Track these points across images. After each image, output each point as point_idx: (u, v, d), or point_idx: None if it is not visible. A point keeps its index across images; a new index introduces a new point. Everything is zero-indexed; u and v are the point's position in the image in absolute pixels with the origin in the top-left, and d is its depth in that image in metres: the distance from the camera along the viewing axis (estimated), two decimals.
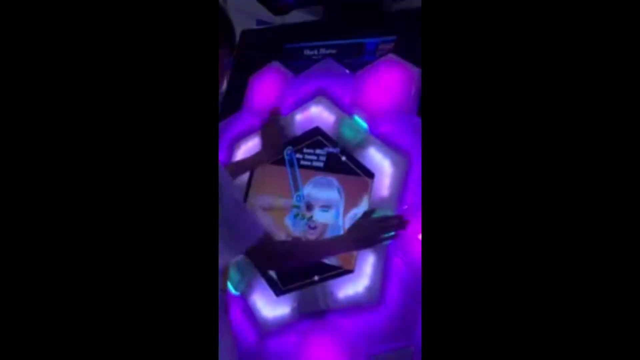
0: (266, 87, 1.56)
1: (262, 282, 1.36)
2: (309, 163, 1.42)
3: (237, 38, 1.54)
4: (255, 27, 2.02)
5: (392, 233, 1.01)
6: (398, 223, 1.00)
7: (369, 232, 1.01)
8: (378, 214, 1.07)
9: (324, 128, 1.39)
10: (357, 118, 1.30)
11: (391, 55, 1.28)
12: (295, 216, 1.41)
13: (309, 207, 1.38)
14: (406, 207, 1.13)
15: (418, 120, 1.19)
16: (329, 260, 1.25)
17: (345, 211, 1.29)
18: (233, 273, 1.41)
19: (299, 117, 1.46)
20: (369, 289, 1.14)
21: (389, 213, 1.11)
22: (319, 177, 1.38)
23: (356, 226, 1.04)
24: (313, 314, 1.21)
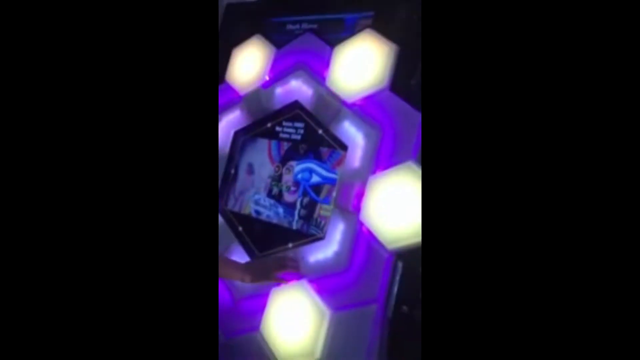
0: (248, 60, 1.59)
1: (239, 247, 1.41)
2: (287, 136, 1.46)
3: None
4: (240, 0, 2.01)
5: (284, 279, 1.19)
6: (293, 265, 1.21)
7: (267, 268, 1.19)
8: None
9: (303, 101, 1.43)
10: None
11: (369, 30, 1.31)
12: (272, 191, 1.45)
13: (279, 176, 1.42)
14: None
15: (390, 95, 1.23)
16: (305, 229, 1.30)
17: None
18: None
19: (279, 90, 1.50)
20: (337, 254, 1.20)
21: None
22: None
23: (258, 261, 1.27)
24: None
